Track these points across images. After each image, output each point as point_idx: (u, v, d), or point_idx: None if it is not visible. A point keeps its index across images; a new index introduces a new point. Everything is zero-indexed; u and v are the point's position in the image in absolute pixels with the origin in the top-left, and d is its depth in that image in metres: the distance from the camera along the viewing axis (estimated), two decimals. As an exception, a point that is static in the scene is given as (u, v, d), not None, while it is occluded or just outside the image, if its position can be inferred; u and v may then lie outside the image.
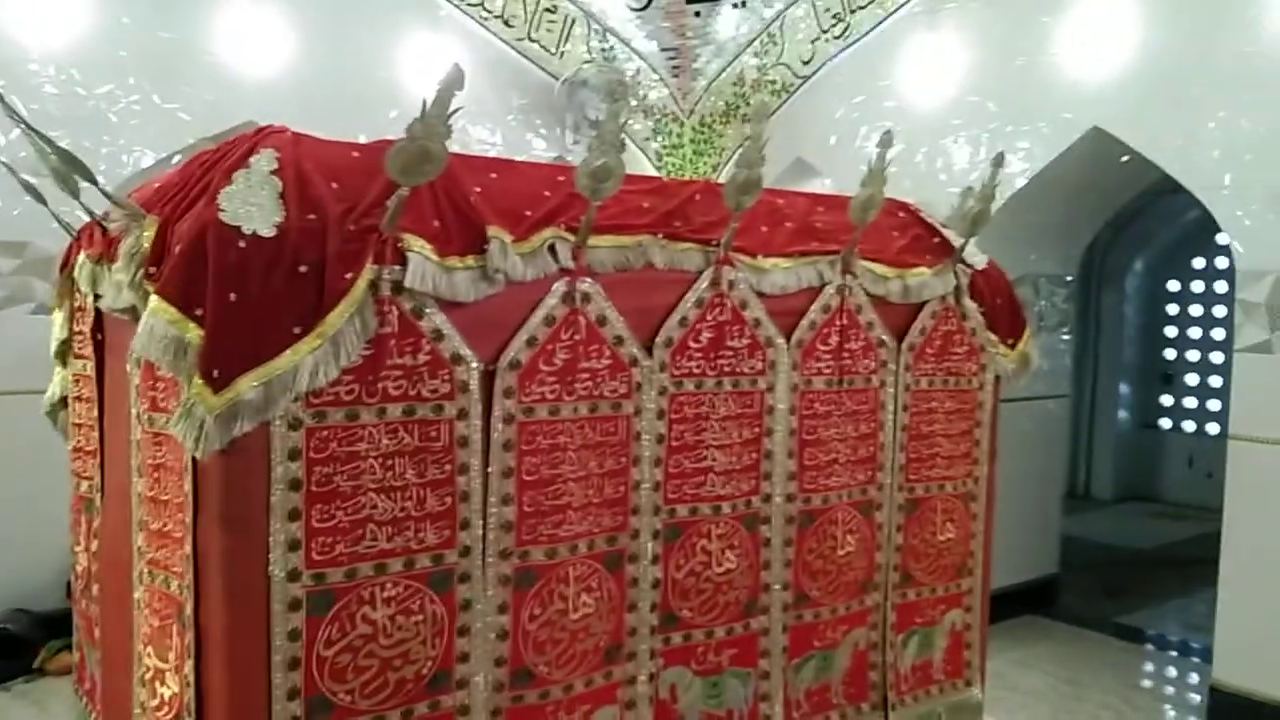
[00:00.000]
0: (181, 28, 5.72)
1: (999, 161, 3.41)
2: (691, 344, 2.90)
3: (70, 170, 2.46)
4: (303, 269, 2.16)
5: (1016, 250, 6.14)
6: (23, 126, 2.38)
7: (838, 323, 3.24)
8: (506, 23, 6.97)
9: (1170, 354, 10.56)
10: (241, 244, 2.12)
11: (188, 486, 2.21)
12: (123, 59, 5.51)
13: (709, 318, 2.93)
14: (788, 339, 3.11)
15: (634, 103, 7.31)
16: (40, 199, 2.93)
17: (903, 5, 6.38)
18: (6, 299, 5.24)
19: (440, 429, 2.39)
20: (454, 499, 2.42)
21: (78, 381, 3.10)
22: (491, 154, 6.69)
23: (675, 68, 7.51)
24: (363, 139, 2.59)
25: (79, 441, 3.13)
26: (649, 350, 2.81)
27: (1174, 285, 10.52)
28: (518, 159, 4.62)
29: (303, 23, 6.10)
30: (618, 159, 2.47)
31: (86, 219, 2.84)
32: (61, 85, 5.32)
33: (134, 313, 2.30)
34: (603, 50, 7.30)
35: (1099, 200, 6.58)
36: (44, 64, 5.27)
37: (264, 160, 2.26)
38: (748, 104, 7.32)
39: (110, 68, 5.48)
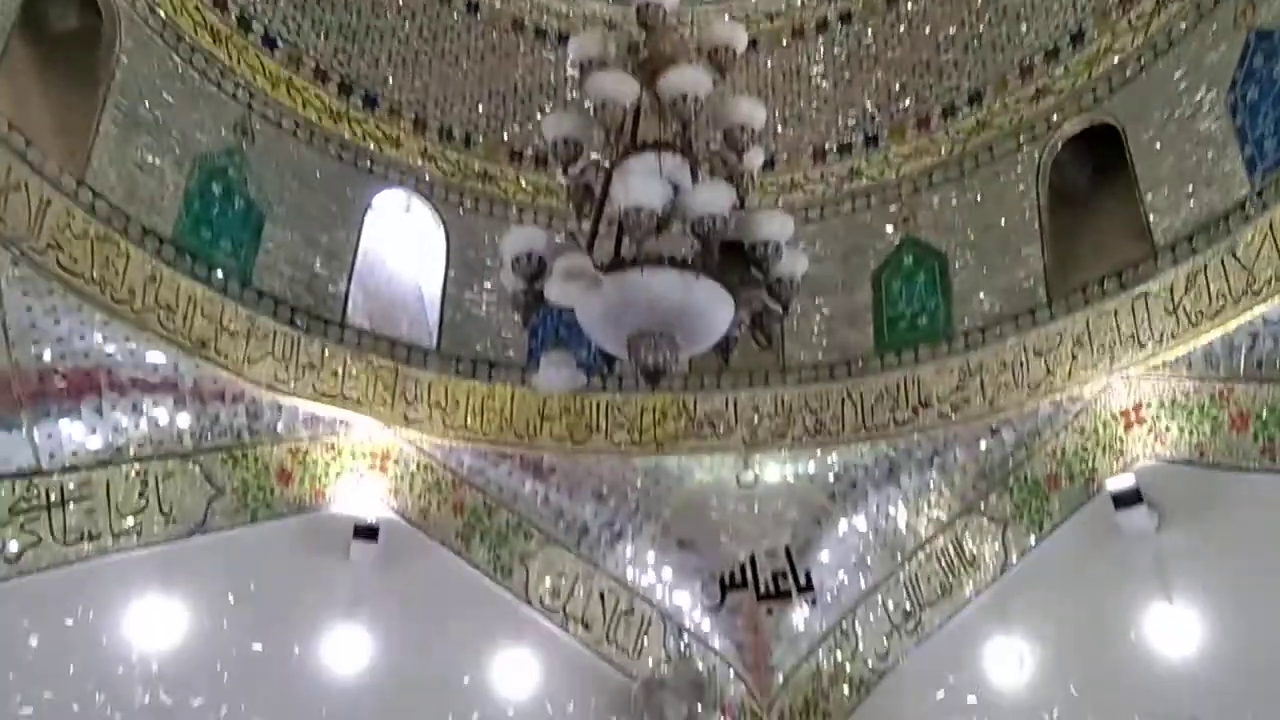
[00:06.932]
0: (275, 640, 6.04)
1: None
2: None
3: None
4: None
5: None
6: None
7: None
8: (586, 625, 7.19)
9: None
10: None
11: None
12: (216, 670, 5.77)
13: None
14: None
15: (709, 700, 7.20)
16: None
17: (970, 601, 6.50)
18: None
19: None
20: None
21: None
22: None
23: (751, 663, 7.51)
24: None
25: None
26: None
27: None
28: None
29: (385, 628, 6.33)
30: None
31: None
32: (152, 694, 5.53)
33: None
34: (679, 649, 7.40)
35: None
36: (144, 672, 5.52)
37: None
38: (828, 699, 7.17)
39: (202, 677, 5.71)
